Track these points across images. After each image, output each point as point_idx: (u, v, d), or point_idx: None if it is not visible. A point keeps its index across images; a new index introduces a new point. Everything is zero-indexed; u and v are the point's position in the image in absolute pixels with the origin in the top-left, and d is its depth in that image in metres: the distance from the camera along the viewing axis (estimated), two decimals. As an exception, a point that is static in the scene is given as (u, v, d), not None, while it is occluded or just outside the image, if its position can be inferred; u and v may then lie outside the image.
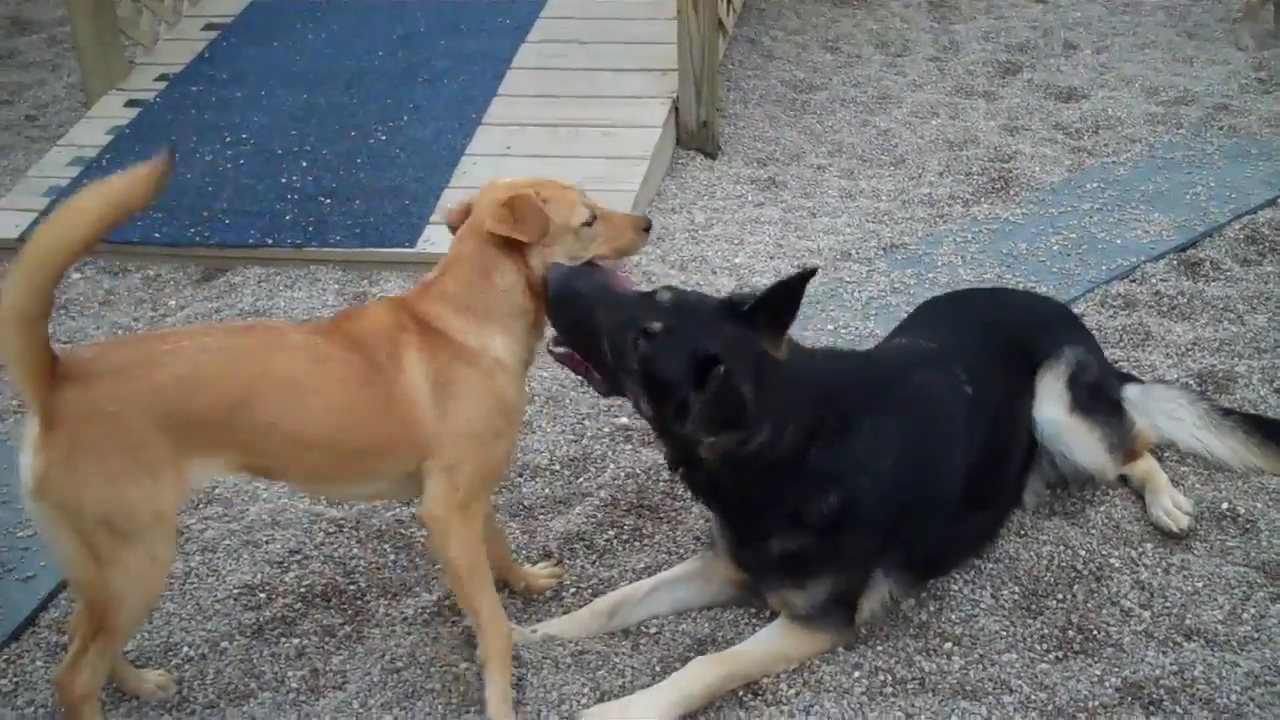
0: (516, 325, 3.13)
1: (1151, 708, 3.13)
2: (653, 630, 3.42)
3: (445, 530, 3.08)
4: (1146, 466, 3.87)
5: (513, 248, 3.07)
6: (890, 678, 3.23)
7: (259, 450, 2.97)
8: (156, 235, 5.45)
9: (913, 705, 3.14)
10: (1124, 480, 3.88)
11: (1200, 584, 3.51)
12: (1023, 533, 3.72)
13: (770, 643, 3.28)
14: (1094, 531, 3.71)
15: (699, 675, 3.17)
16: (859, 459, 3.23)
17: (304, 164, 5.86)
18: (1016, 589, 3.53)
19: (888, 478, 3.26)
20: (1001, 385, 3.66)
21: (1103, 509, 3.79)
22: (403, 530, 3.84)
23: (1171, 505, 3.73)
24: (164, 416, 2.83)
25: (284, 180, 5.75)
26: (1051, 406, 3.71)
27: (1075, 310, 4.67)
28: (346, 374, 3.00)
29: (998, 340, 3.78)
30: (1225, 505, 3.79)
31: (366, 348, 3.03)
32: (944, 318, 3.95)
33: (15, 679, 3.36)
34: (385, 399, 3.01)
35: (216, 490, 4.01)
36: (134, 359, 2.89)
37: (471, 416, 3.06)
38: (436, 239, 5.33)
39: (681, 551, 3.69)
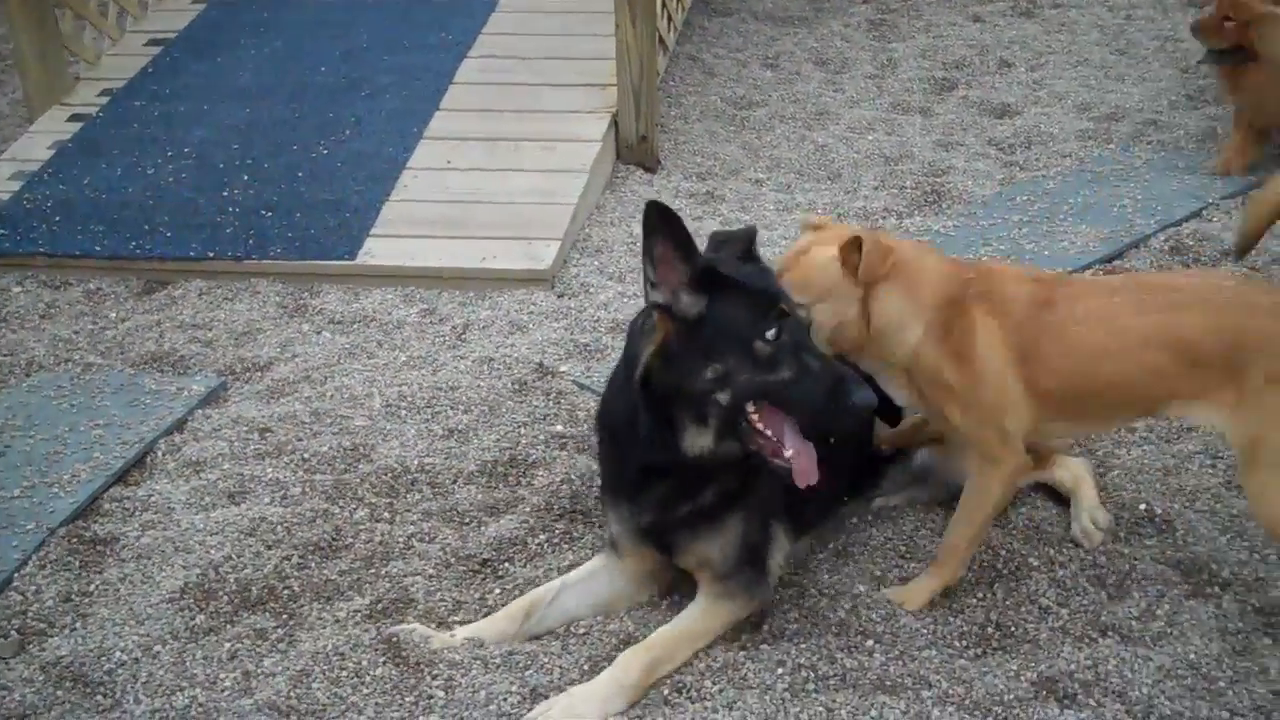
0: None
1: (1066, 701, 3.22)
2: (581, 630, 3.48)
3: None
4: (1077, 475, 3.92)
5: None
6: (813, 674, 3.30)
7: None
8: (97, 248, 5.47)
9: (834, 700, 3.21)
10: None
11: (1116, 582, 3.61)
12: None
13: (693, 618, 3.37)
14: (1015, 532, 3.80)
15: (631, 664, 3.25)
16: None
17: (245, 177, 5.90)
18: (938, 588, 3.61)
19: None
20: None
21: (1024, 510, 3.88)
22: (336, 539, 3.88)
23: (1089, 523, 3.78)
24: None
25: (225, 194, 5.78)
26: None
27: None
28: None
29: None
30: (1143, 506, 3.89)
31: None
32: None
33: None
34: None
35: (151, 498, 4.05)
36: None
37: None
38: (376, 251, 5.39)
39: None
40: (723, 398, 3.16)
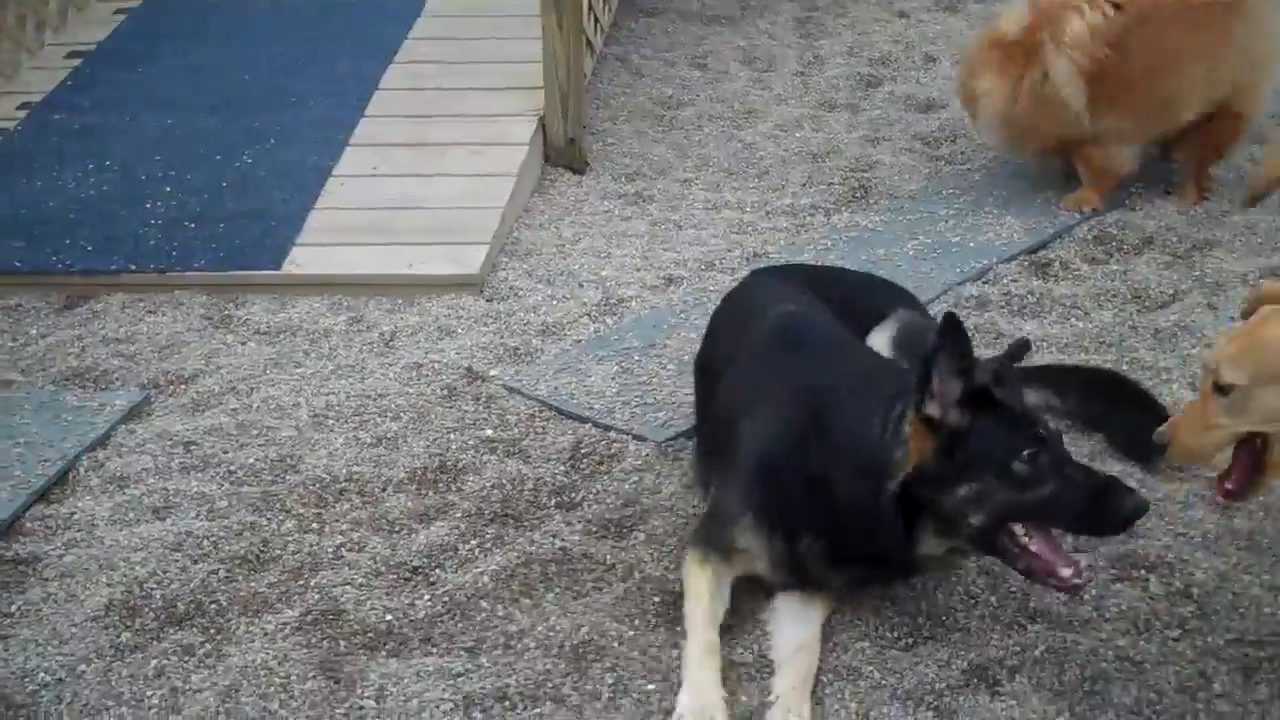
0: None
1: (996, 687, 3.24)
2: (515, 644, 3.47)
3: None
4: None
5: None
6: (748, 670, 3.31)
7: None
8: (17, 263, 5.39)
9: (765, 691, 3.23)
10: None
11: (1045, 569, 3.64)
12: (876, 526, 3.82)
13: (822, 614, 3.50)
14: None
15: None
16: None
17: (168, 189, 5.83)
18: (870, 581, 3.63)
19: None
20: None
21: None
22: (264, 552, 3.85)
23: None
24: None
25: (148, 206, 5.71)
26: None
27: (930, 310, 4.81)
28: None
29: (837, 306, 4.00)
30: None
31: None
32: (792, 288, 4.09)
33: None
34: None
35: (74, 516, 3.99)
36: None
37: None
38: (302, 260, 5.34)
39: (538, 552, 3.75)
40: (976, 519, 3.19)
